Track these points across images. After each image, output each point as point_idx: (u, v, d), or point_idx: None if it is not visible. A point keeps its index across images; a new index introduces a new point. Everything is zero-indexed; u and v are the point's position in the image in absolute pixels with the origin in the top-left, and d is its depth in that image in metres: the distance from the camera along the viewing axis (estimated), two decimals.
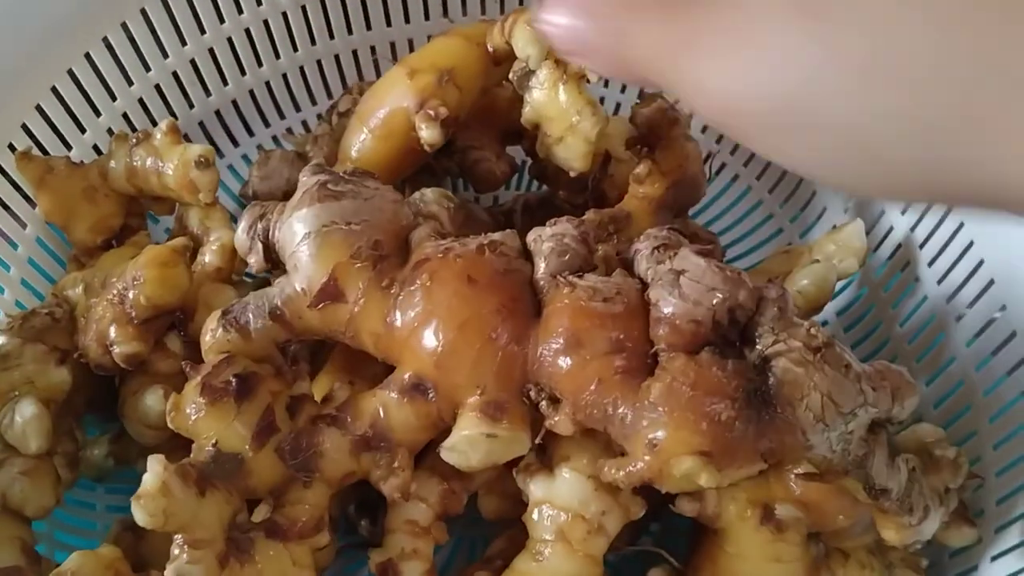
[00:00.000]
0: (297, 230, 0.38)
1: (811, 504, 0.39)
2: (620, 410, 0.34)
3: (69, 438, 0.46)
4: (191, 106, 0.59)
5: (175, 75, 0.57)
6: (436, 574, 0.39)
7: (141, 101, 0.56)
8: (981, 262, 0.45)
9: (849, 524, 0.39)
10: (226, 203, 0.61)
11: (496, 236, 0.38)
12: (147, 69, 0.56)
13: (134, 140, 0.49)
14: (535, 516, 0.38)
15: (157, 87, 0.57)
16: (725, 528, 0.39)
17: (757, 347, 0.34)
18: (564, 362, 0.35)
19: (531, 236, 0.39)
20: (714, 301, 0.34)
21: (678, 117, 0.49)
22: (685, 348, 0.34)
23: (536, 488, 0.39)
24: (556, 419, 0.35)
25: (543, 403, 0.36)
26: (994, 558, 0.41)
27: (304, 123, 0.64)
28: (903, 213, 0.50)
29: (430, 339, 0.36)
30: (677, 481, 0.33)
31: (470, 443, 0.35)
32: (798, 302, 0.45)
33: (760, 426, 0.33)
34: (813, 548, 0.40)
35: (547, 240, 0.38)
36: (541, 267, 0.37)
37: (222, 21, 0.57)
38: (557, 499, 0.38)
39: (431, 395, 0.36)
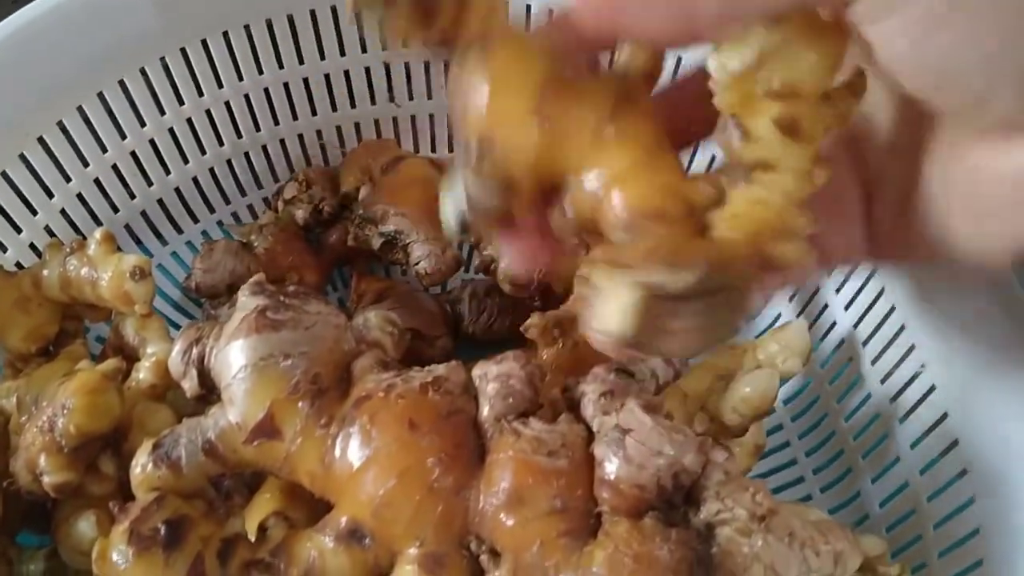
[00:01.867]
0: (233, 361, 0.38)
1: None
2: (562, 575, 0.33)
3: (3, 560, 0.45)
4: (132, 196, 0.58)
5: (115, 168, 0.56)
6: None
7: (80, 196, 0.55)
8: (923, 367, 0.45)
9: None
10: (171, 292, 0.60)
11: (440, 371, 0.38)
12: (85, 164, 0.54)
13: (68, 249, 0.48)
14: None
15: (96, 181, 0.56)
16: None
17: (701, 513, 0.34)
18: (506, 519, 0.34)
19: (477, 371, 0.38)
20: (659, 464, 0.33)
21: None
22: (628, 512, 0.33)
23: None
24: (497, 574, 0.35)
25: (483, 556, 0.35)
26: None
27: (250, 207, 0.63)
28: (846, 309, 0.51)
29: (368, 486, 0.35)
30: None
31: None
32: (741, 410, 0.45)
33: None
34: None
35: (492, 380, 0.37)
36: (486, 410, 0.37)
37: (162, 113, 0.56)
38: None
39: (368, 542, 0.35)
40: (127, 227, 0.59)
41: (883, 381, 0.48)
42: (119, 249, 0.48)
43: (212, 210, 0.62)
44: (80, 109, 0.52)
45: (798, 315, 0.55)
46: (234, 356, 0.38)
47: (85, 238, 0.49)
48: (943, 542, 0.43)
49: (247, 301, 0.40)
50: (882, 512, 0.48)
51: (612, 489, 0.34)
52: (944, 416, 0.44)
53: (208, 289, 0.57)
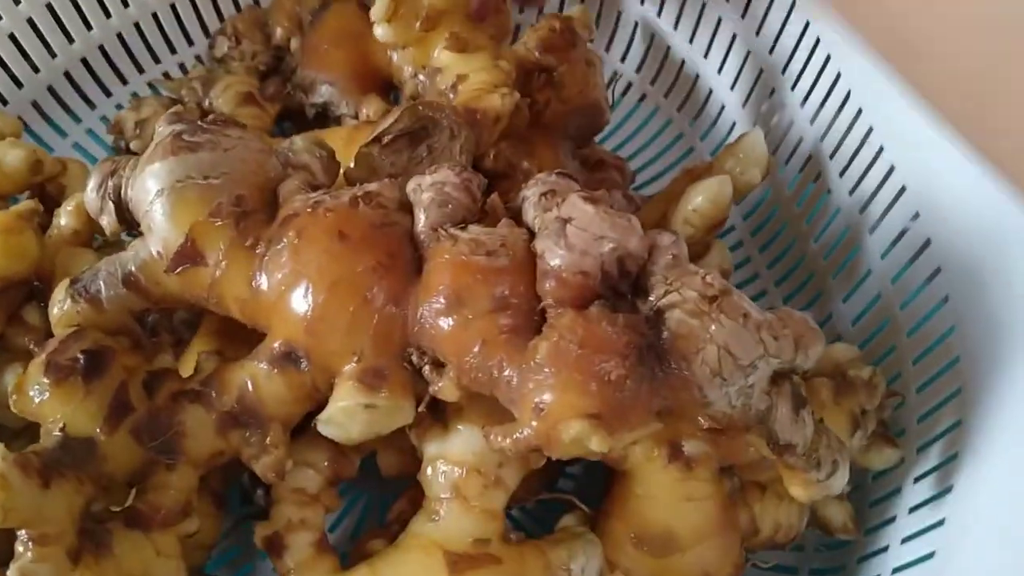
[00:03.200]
0: (150, 187, 0.35)
1: (720, 437, 0.37)
2: (506, 373, 0.31)
3: None
4: (53, 55, 0.54)
5: (31, 22, 0.52)
6: (328, 544, 0.37)
7: None
8: (892, 168, 0.43)
9: (761, 456, 0.37)
10: (101, 156, 0.57)
11: (372, 186, 0.35)
12: None
13: None
14: (429, 473, 0.36)
15: (11, 36, 0.52)
16: (632, 470, 0.37)
17: (650, 298, 0.31)
18: (446, 323, 0.32)
19: (410, 185, 0.35)
20: (602, 251, 0.31)
21: (576, 39, 0.46)
22: (573, 303, 0.31)
23: (430, 445, 0.36)
24: (440, 385, 0.32)
25: (426, 368, 0.33)
26: (917, 479, 0.40)
27: (181, 65, 0.59)
28: (811, 123, 0.48)
29: (300, 303, 0.33)
30: (567, 447, 0.30)
31: (348, 414, 0.32)
32: (694, 221, 0.42)
33: (654, 384, 0.30)
34: (727, 483, 0.38)
35: (427, 190, 0.34)
36: (421, 219, 0.34)
37: None
38: (451, 454, 0.35)
39: (304, 364, 0.33)
40: (50, 88, 0.55)
41: (851, 192, 0.46)
42: None
43: (141, 70, 0.58)
44: None
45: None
46: (150, 182, 0.35)
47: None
48: (918, 348, 0.42)
49: (163, 130, 0.37)
50: (854, 329, 0.47)
51: (555, 279, 0.31)
52: (916, 215, 0.42)
53: (141, 149, 0.54)
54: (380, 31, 0.42)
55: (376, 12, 0.42)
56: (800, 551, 0.46)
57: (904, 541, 0.40)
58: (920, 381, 0.41)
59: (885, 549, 0.41)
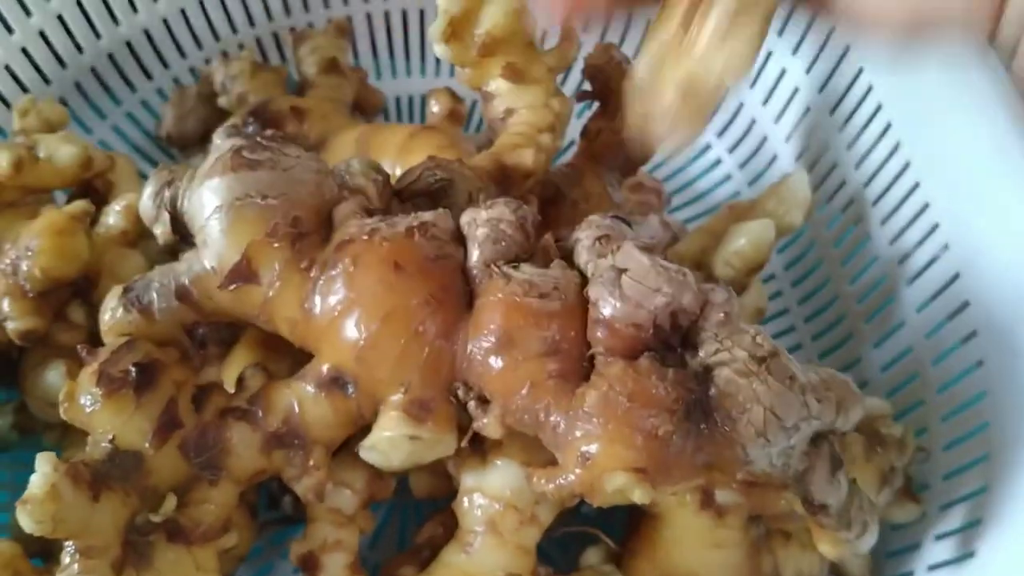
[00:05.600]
0: (207, 202, 0.35)
1: (753, 489, 0.37)
2: (552, 417, 0.31)
3: None
4: (98, 36, 0.54)
5: (79, 3, 0.52)
6: (360, 567, 0.37)
7: (42, 34, 0.51)
8: (936, 226, 0.43)
9: (791, 508, 0.38)
10: (141, 143, 0.57)
11: (427, 216, 0.35)
12: None
13: None
14: (465, 504, 0.36)
15: (59, 17, 0.52)
16: (663, 513, 0.38)
17: (700, 354, 0.32)
18: (495, 362, 0.32)
19: (465, 218, 0.35)
20: (656, 304, 0.31)
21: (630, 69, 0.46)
22: (623, 353, 0.31)
23: (468, 477, 0.36)
24: (485, 421, 0.33)
25: (471, 403, 0.33)
26: (938, 537, 0.40)
27: (225, 53, 0.59)
28: (857, 168, 0.48)
29: (351, 330, 0.33)
30: (609, 496, 0.31)
31: (392, 444, 0.33)
32: (735, 263, 0.43)
33: (699, 440, 0.30)
34: (753, 530, 0.39)
35: (482, 225, 0.35)
36: (475, 255, 0.34)
37: None
38: (489, 488, 0.36)
39: (351, 390, 0.33)
40: (92, 69, 0.55)
41: (892, 242, 0.46)
42: None
43: (183, 55, 0.58)
44: None
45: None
46: (208, 197, 0.35)
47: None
48: (947, 406, 0.42)
49: (222, 143, 0.37)
50: (883, 377, 0.47)
51: (607, 328, 0.31)
52: (956, 276, 0.42)
53: (179, 138, 0.54)
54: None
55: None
56: None
57: None
58: (947, 440, 0.42)
59: None
